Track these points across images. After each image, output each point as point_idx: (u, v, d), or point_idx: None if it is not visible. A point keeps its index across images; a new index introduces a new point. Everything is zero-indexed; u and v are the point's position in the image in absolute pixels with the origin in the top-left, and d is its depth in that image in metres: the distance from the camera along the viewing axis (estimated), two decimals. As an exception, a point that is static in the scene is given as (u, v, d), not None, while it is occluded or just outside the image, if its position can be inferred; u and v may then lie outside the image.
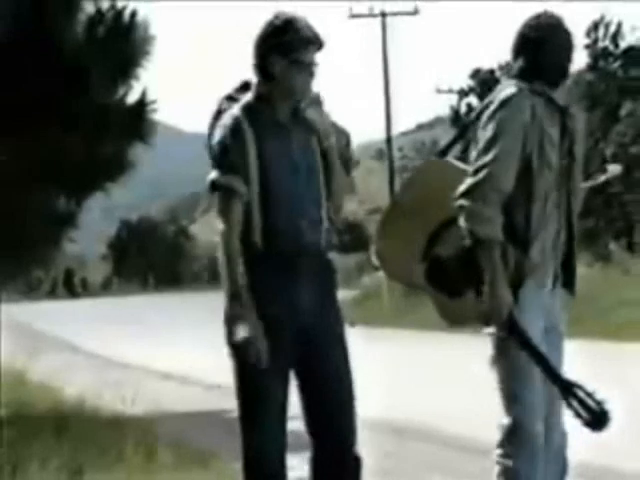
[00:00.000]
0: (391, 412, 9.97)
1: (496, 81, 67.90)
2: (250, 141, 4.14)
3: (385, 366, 14.07)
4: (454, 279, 4.15)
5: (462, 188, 4.09)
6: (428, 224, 4.21)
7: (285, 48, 4.18)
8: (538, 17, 4.36)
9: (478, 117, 4.29)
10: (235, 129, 4.17)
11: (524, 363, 4.24)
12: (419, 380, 12.83)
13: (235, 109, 4.21)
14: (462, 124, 4.46)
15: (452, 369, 13.65)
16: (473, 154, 4.24)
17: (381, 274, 36.65)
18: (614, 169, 4.70)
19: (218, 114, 4.27)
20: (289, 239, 4.12)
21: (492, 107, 4.21)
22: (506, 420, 4.29)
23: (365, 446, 4.19)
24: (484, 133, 4.18)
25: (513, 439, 4.26)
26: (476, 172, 4.12)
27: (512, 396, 4.28)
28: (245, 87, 4.28)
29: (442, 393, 11.58)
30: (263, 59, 4.21)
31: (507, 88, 4.26)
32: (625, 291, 21.71)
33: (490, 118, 4.19)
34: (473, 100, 68.61)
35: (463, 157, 4.36)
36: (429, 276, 4.18)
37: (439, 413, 9.97)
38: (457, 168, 4.27)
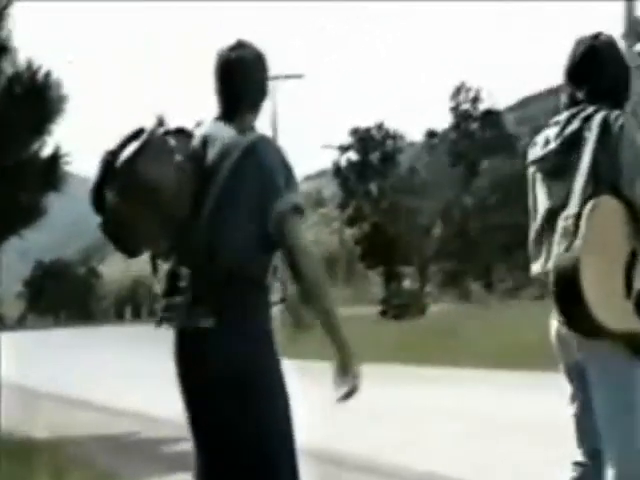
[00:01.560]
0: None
1: (372, 138, 68.78)
2: None
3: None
4: None
5: None
6: (615, 261, 3.67)
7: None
8: (593, 40, 3.89)
9: (572, 144, 3.77)
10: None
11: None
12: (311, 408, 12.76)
13: (262, 136, 3.66)
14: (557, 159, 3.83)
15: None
16: (580, 181, 3.71)
17: (276, 309, 36.61)
18: None
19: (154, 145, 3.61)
20: None
21: (617, 136, 3.68)
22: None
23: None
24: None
25: None
26: None
27: None
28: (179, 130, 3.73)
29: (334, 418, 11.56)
30: (265, 88, 3.77)
31: (613, 114, 3.72)
32: (484, 325, 22.04)
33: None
34: (352, 155, 69.25)
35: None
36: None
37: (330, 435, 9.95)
38: (618, 203, 3.69)
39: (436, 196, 50.94)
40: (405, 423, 10.59)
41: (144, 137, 3.58)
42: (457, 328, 23.08)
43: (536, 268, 3.93)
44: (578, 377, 3.94)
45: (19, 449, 9.18)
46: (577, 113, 3.80)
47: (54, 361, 26.02)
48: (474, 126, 60.98)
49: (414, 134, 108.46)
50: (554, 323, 3.96)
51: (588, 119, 3.76)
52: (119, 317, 73.23)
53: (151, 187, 3.53)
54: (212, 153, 3.65)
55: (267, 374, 3.58)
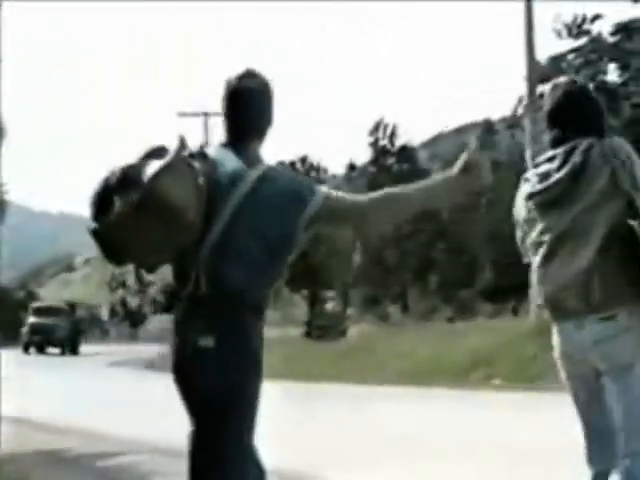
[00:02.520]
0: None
1: (296, 171, 69.03)
2: None
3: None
4: None
5: None
6: None
7: None
8: (569, 85, 4.17)
9: (578, 171, 3.96)
10: None
11: None
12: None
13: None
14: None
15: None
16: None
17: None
18: None
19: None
20: None
21: (625, 158, 3.93)
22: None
23: None
24: None
25: None
26: None
27: None
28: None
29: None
30: (271, 116, 3.72)
31: (613, 141, 3.99)
32: (399, 345, 22.11)
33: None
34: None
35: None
36: None
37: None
38: None
39: (356, 225, 51.19)
40: (325, 436, 10.55)
41: (170, 157, 3.45)
42: (375, 348, 23.13)
43: (546, 290, 4.03)
44: (589, 389, 3.99)
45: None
46: (574, 147, 4.02)
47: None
48: (391, 160, 61.46)
49: (336, 167, 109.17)
50: (558, 342, 4.04)
51: (589, 150, 3.98)
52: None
53: (171, 207, 3.39)
54: (222, 180, 3.54)
55: (253, 393, 3.57)
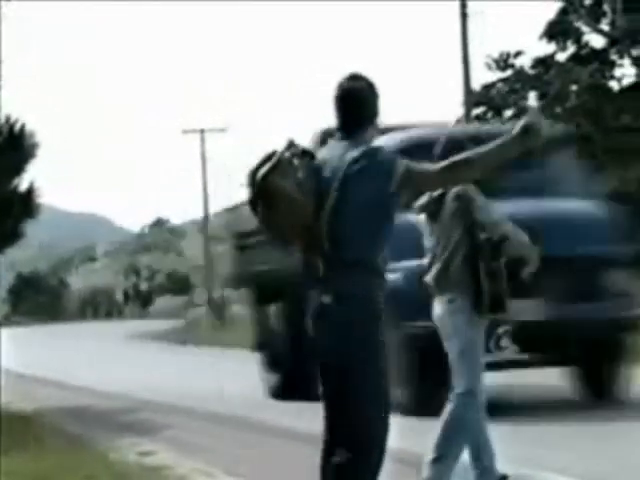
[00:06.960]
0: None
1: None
2: None
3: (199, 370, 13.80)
4: None
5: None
6: None
7: None
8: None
9: None
10: None
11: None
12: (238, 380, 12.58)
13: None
14: None
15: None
16: None
17: (200, 310, 36.16)
18: None
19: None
20: None
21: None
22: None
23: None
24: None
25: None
26: None
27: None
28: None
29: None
30: (377, 110, 3.67)
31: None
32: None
33: None
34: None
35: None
36: None
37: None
38: None
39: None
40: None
41: (275, 158, 3.46)
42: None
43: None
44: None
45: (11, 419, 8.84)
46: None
47: (32, 347, 25.37)
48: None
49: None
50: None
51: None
52: (82, 316, 72.09)
53: (282, 196, 3.41)
54: (328, 167, 3.53)
55: (376, 347, 3.45)
